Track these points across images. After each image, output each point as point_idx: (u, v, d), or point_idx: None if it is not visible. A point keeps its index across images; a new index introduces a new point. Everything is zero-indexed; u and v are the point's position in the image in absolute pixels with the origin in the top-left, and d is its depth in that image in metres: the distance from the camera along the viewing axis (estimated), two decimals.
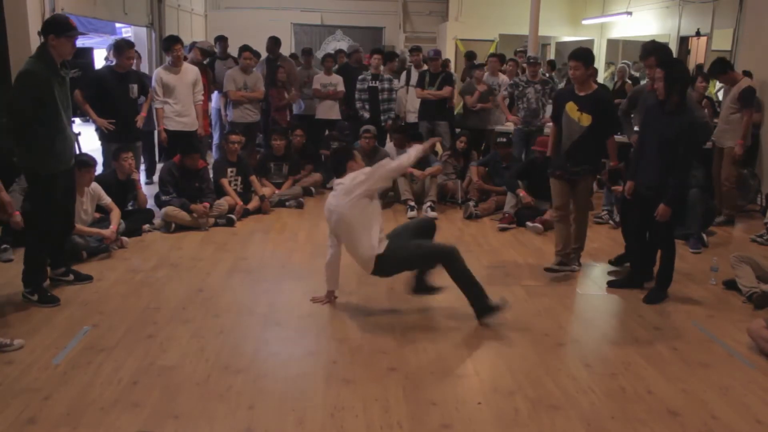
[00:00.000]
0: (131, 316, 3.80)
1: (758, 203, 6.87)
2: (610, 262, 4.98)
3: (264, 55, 8.11)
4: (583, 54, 4.49)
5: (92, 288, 4.24)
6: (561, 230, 4.71)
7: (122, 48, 5.77)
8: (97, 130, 5.84)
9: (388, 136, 7.87)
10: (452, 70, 10.11)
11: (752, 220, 6.52)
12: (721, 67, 6.13)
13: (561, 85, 8.19)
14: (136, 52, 7.03)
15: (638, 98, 4.75)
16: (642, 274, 4.44)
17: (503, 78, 7.83)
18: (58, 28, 3.78)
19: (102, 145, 5.93)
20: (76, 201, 4.40)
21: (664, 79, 3.99)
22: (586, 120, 4.47)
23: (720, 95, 8.30)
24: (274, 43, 8.05)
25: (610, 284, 4.52)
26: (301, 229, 5.85)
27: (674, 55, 9.41)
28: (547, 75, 8.59)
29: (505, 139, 6.78)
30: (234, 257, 4.98)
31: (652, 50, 4.62)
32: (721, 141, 6.25)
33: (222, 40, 8.00)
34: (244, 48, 7.24)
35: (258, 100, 7.34)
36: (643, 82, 9.73)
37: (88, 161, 4.96)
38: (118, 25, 9.98)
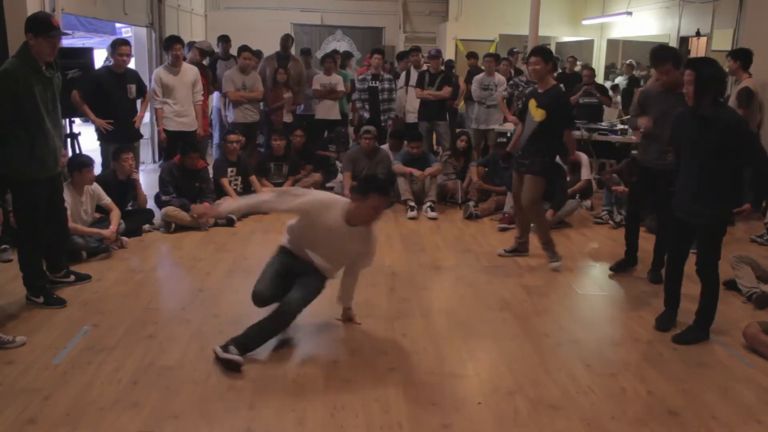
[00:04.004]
0: (131, 316, 3.80)
1: None
2: (611, 269, 4.79)
3: (266, 53, 8.10)
4: (542, 50, 4.74)
5: (92, 288, 4.23)
6: (519, 220, 5.18)
7: (115, 45, 5.77)
8: (96, 130, 5.84)
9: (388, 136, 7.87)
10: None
11: (752, 220, 6.51)
12: (748, 57, 6.10)
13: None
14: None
15: (647, 101, 4.48)
16: (674, 310, 3.88)
17: (499, 77, 7.84)
18: (37, 27, 3.56)
19: (100, 145, 5.93)
20: (65, 207, 4.21)
21: (695, 81, 3.44)
22: (539, 115, 4.66)
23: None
24: (286, 40, 8.00)
25: (678, 340, 3.69)
26: None
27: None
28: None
29: (504, 139, 6.79)
30: (234, 257, 4.98)
31: (668, 55, 4.32)
32: None
33: (224, 40, 8.00)
34: (243, 48, 7.24)
35: (257, 100, 7.34)
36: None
37: (86, 161, 4.96)
38: (118, 25, 9.99)
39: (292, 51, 8.27)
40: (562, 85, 4.94)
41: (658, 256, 4.61)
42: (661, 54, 4.33)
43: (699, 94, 3.43)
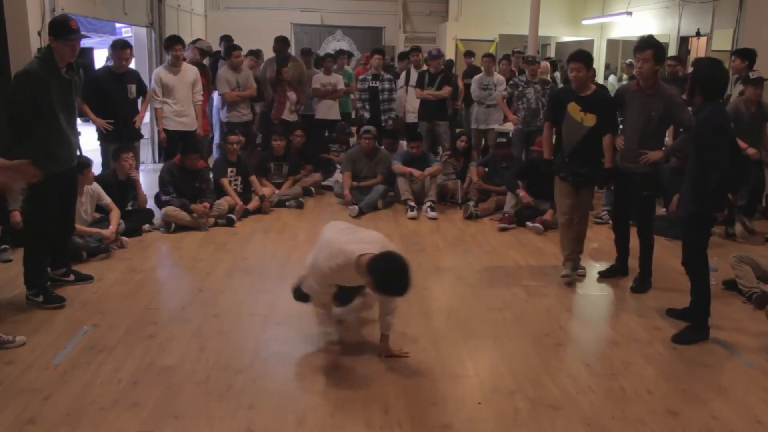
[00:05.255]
0: (131, 316, 3.80)
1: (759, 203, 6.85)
2: (600, 274, 4.71)
3: (266, 53, 8.10)
4: (584, 56, 4.48)
5: (92, 288, 4.23)
6: (569, 234, 4.61)
7: (116, 46, 5.78)
8: (96, 130, 5.85)
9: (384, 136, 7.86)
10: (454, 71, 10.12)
11: (752, 220, 6.50)
12: (755, 57, 6.17)
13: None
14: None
15: (624, 97, 4.43)
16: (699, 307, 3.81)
17: (498, 77, 7.84)
18: (56, 30, 3.71)
19: (100, 145, 5.94)
20: (76, 203, 4.32)
21: (690, 78, 3.69)
22: (590, 120, 4.45)
23: None
24: (282, 42, 8.01)
25: (676, 339, 3.72)
26: (301, 229, 5.84)
27: (675, 53, 9.43)
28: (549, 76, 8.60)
29: (504, 139, 6.79)
30: (234, 257, 4.98)
31: (652, 44, 4.22)
32: None
33: (227, 40, 8.00)
34: (234, 47, 7.25)
35: (251, 98, 7.34)
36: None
37: (86, 162, 4.96)
38: (118, 25, 9.97)
39: (291, 52, 8.26)
40: (562, 86, 4.90)
41: (644, 263, 4.49)
42: (644, 41, 4.24)
43: (689, 92, 3.61)
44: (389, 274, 2.81)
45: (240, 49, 7.25)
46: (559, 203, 4.70)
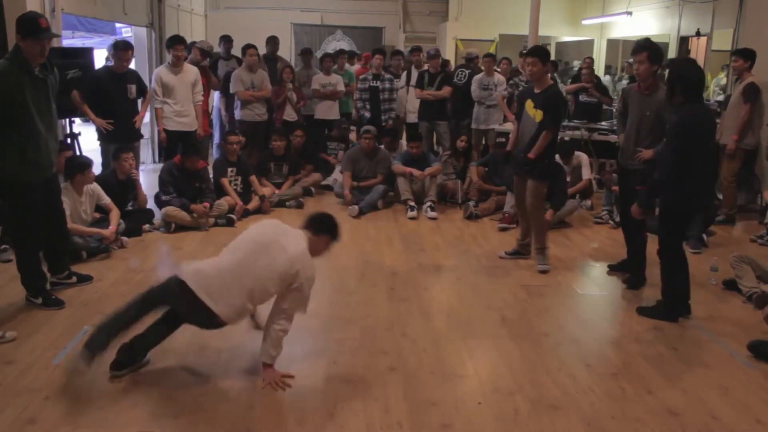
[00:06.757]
0: None
1: (758, 203, 6.86)
2: (611, 267, 4.79)
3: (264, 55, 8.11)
4: (539, 51, 4.67)
5: (92, 288, 4.23)
6: (522, 223, 5.14)
7: (117, 47, 5.77)
8: (96, 130, 5.84)
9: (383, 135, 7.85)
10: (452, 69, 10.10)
11: (752, 220, 6.51)
12: (755, 57, 6.18)
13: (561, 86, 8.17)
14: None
15: (628, 98, 4.48)
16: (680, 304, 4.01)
17: (498, 77, 7.84)
18: (24, 28, 3.49)
19: (101, 145, 5.93)
20: (63, 208, 4.16)
21: (667, 78, 3.86)
22: (539, 116, 4.61)
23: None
24: (273, 42, 8.05)
25: (640, 311, 4.06)
26: None
27: (674, 54, 9.44)
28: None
29: (504, 139, 6.78)
30: None
31: (646, 47, 4.21)
32: (725, 138, 6.26)
33: (226, 40, 8.01)
34: (249, 46, 7.24)
35: (265, 99, 7.34)
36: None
37: (87, 162, 4.97)
38: (118, 25, 9.99)
39: (291, 51, 8.27)
40: (562, 85, 4.91)
41: (634, 256, 4.54)
42: (639, 43, 4.24)
43: (669, 92, 3.78)
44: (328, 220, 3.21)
45: (255, 47, 7.24)
46: (515, 196, 5.13)
